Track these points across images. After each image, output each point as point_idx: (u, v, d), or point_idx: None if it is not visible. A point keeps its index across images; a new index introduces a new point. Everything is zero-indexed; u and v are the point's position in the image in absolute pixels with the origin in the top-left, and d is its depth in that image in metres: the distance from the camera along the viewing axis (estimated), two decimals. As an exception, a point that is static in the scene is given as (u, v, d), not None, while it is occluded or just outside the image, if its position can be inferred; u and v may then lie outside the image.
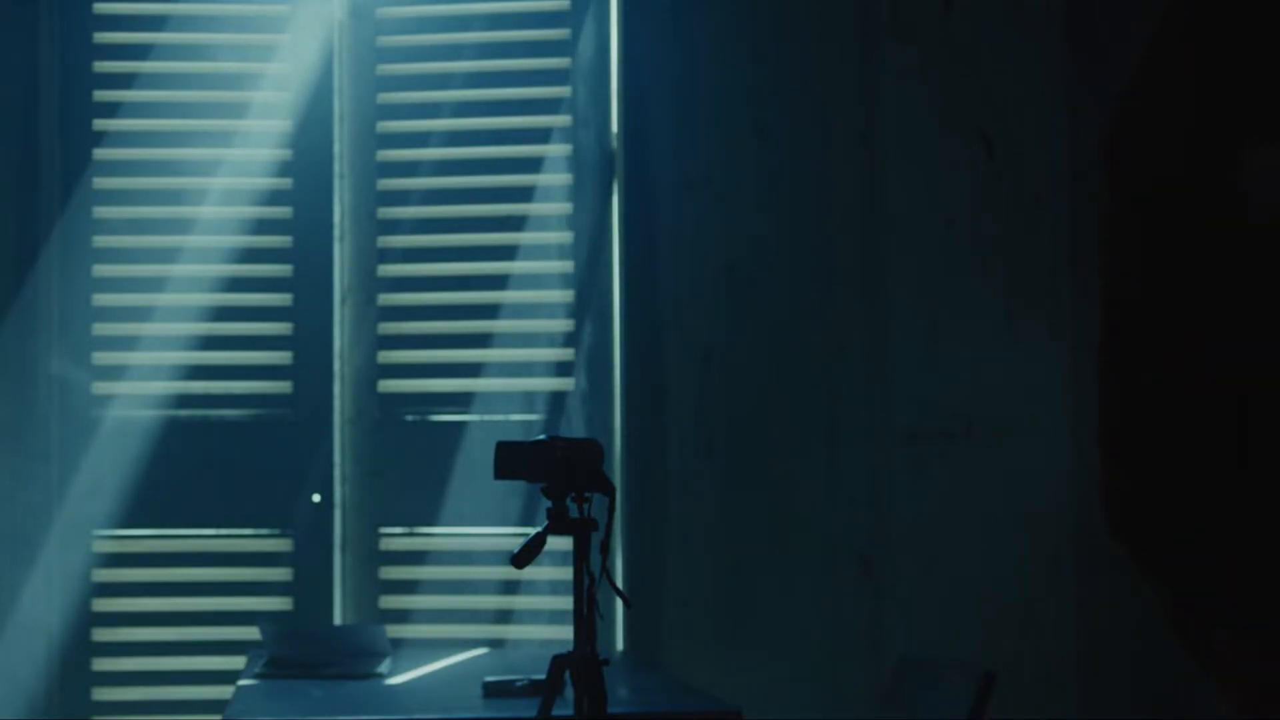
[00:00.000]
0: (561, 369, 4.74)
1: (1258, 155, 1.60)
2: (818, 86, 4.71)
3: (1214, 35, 1.65)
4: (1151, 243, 1.63)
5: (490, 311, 4.75)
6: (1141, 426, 1.65)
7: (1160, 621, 1.77)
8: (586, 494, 2.81)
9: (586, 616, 2.81)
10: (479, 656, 4.08)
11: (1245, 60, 1.64)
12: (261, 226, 4.77)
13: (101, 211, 4.77)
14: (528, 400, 4.74)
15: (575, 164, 4.76)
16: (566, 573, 2.83)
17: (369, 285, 4.79)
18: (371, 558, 4.74)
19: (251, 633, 4.07)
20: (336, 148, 4.79)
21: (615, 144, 4.76)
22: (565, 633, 2.92)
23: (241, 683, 3.54)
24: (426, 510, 4.71)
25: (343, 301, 4.79)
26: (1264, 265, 1.58)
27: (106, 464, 4.69)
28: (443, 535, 4.73)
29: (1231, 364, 1.64)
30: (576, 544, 2.80)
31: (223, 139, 4.77)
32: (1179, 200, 1.62)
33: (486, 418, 4.73)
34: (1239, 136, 1.63)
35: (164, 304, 4.74)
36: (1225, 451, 1.64)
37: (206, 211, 4.76)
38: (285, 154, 4.78)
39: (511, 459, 2.83)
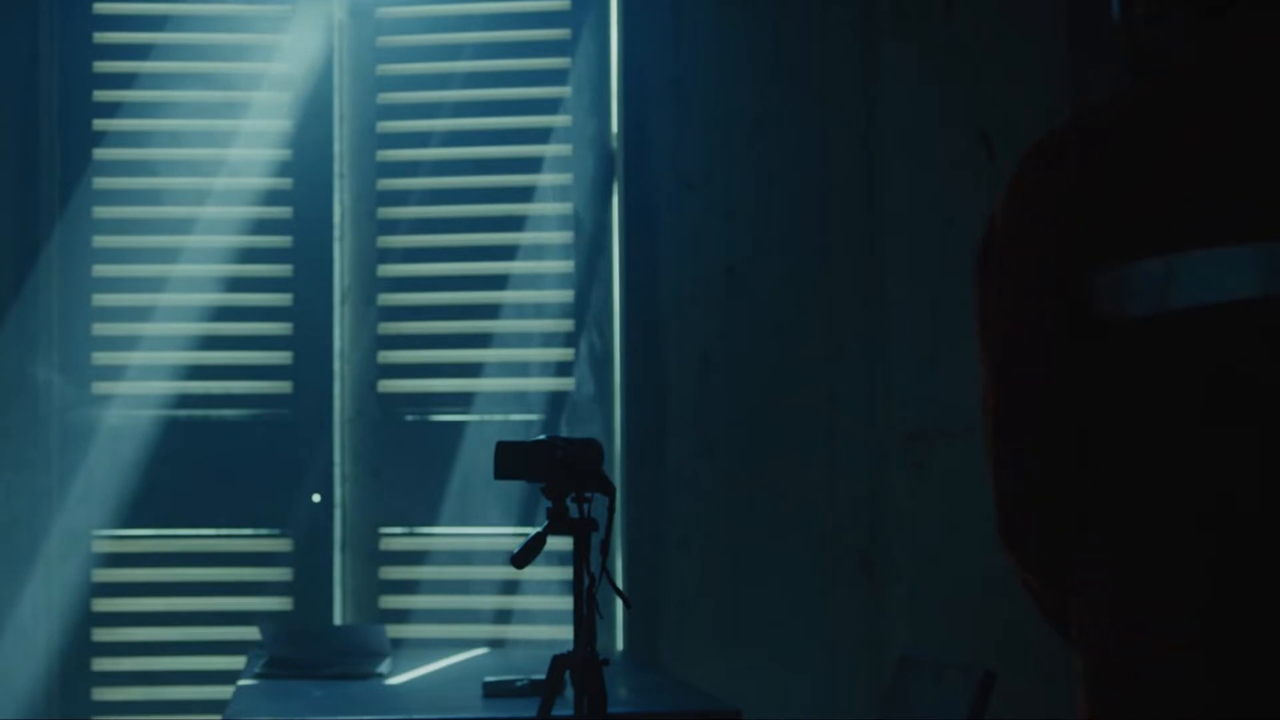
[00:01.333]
0: (561, 369, 4.74)
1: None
2: (818, 86, 4.71)
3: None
4: None
5: (490, 311, 4.75)
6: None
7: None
8: (586, 494, 2.81)
9: (586, 616, 2.81)
10: (479, 656, 4.08)
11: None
12: (261, 226, 4.77)
13: (101, 211, 4.77)
14: (528, 400, 4.74)
15: (575, 164, 4.76)
16: (566, 573, 2.83)
17: (369, 285, 4.79)
18: (371, 558, 4.74)
19: (251, 633, 4.07)
20: (336, 148, 4.79)
21: (615, 144, 4.76)
22: (565, 633, 2.92)
23: (241, 683, 3.54)
24: (426, 510, 4.71)
25: (343, 301, 4.79)
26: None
27: (106, 464, 4.69)
28: (443, 535, 4.73)
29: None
30: (576, 544, 2.80)
31: (223, 139, 4.77)
32: None
33: (486, 418, 4.73)
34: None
35: (164, 304, 4.74)
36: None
37: (206, 211, 4.76)
38: (285, 154, 4.78)
39: (511, 459, 2.83)
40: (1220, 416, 1.95)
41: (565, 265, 4.76)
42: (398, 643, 4.25)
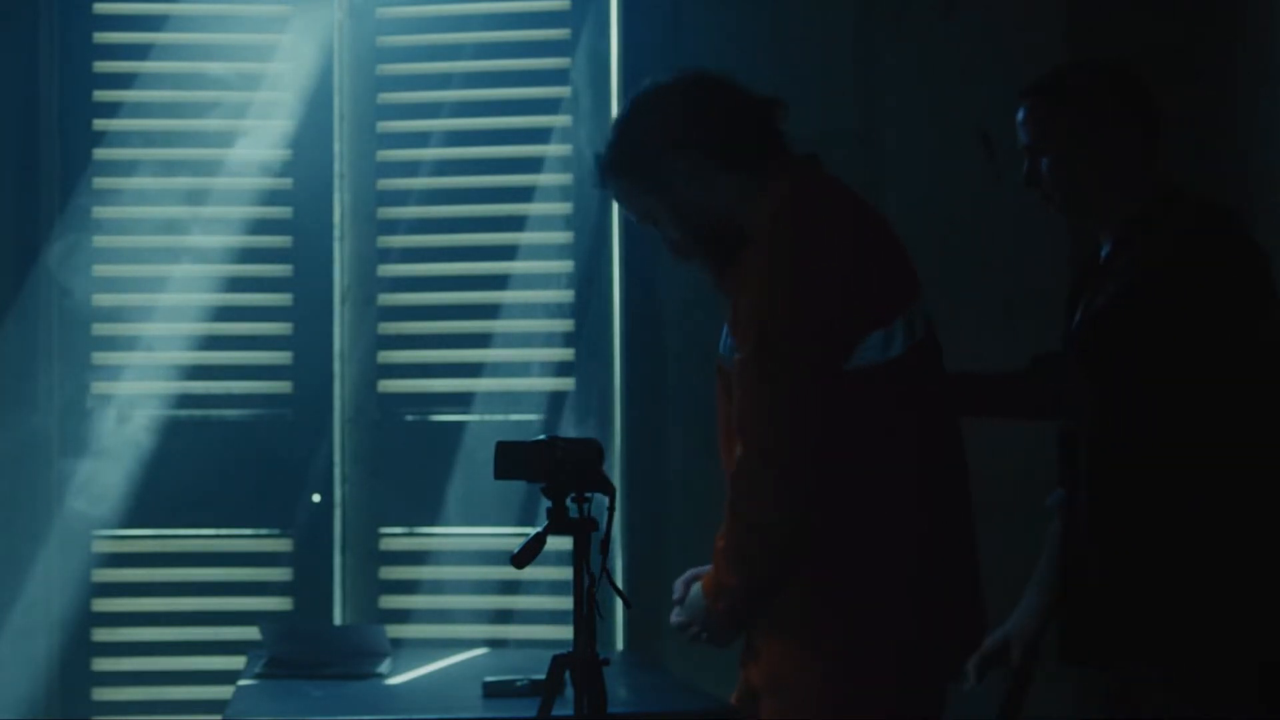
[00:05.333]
0: (561, 369, 4.74)
1: None
2: (818, 86, 4.71)
3: None
4: None
5: (490, 311, 4.75)
6: None
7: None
8: (586, 494, 2.81)
9: (586, 616, 2.81)
10: (479, 656, 4.08)
11: None
12: (261, 226, 4.77)
13: (101, 211, 4.77)
14: (528, 400, 4.74)
15: (575, 164, 4.76)
16: (566, 573, 2.83)
17: (369, 285, 4.79)
18: (371, 558, 4.74)
19: (251, 633, 4.06)
20: (336, 148, 4.79)
21: (615, 144, 4.75)
22: (565, 633, 2.92)
23: (241, 683, 3.54)
24: (426, 510, 4.71)
25: (343, 301, 4.79)
26: None
27: (106, 464, 4.69)
28: (443, 535, 4.72)
29: None
30: (576, 544, 2.80)
31: (223, 139, 4.77)
32: None
33: (486, 418, 4.73)
34: None
35: (164, 304, 4.74)
36: None
37: (206, 211, 4.76)
38: (285, 154, 4.78)
39: (511, 459, 2.83)
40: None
41: (565, 265, 4.76)
42: (398, 643, 4.24)
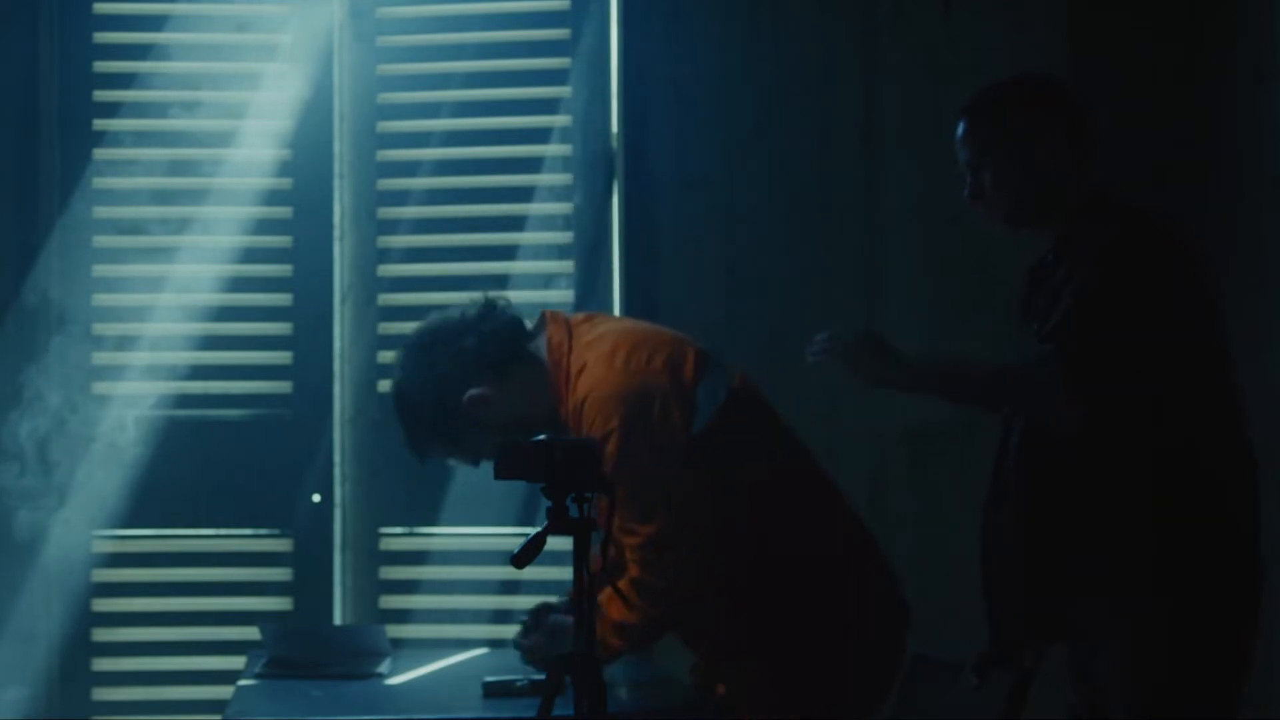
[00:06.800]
0: (561, 369, 4.73)
1: None
2: (818, 86, 4.71)
3: None
4: None
5: (490, 311, 4.75)
6: None
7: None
8: (586, 494, 2.81)
9: (586, 616, 2.81)
10: (479, 656, 4.07)
11: None
12: (261, 226, 4.77)
13: (101, 211, 4.77)
14: (528, 400, 4.73)
15: (575, 164, 4.76)
16: (566, 573, 2.83)
17: (369, 285, 4.79)
18: (371, 558, 4.74)
19: (251, 633, 4.06)
20: (336, 148, 4.79)
21: (615, 144, 4.76)
22: (565, 633, 2.92)
23: (241, 683, 3.54)
24: (426, 510, 4.71)
25: (343, 301, 4.79)
26: None
27: (106, 464, 4.69)
28: (443, 535, 4.72)
29: None
30: (576, 544, 2.80)
31: (223, 139, 4.77)
32: None
33: (486, 418, 4.72)
34: None
35: (164, 304, 4.74)
36: None
37: (206, 211, 4.76)
38: (285, 154, 4.78)
39: (511, 459, 2.83)
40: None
41: (565, 265, 4.76)
42: (398, 643, 4.24)
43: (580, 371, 3.23)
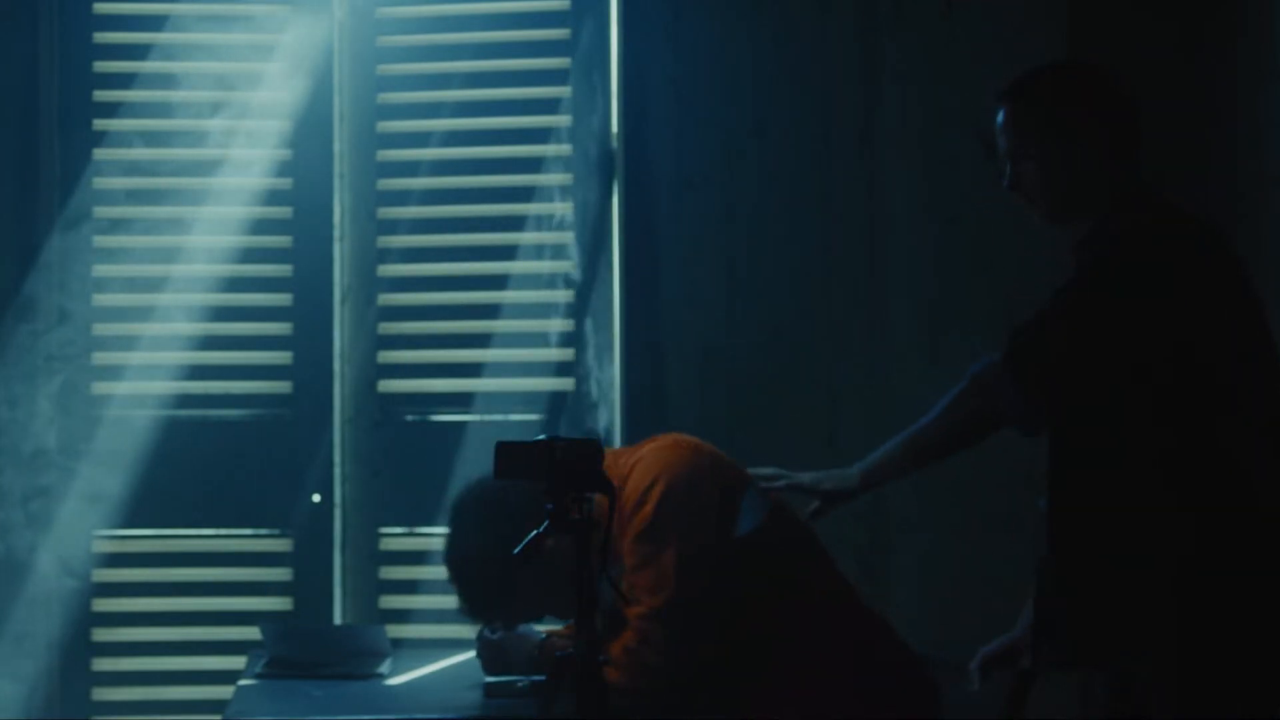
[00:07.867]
0: (561, 369, 4.74)
1: None
2: (818, 86, 4.71)
3: None
4: None
5: (490, 311, 4.75)
6: None
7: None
8: (586, 494, 2.81)
9: (587, 616, 2.81)
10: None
11: None
12: (261, 226, 4.77)
13: (101, 211, 4.77)
14: (528, 400, 4.74)
15: (575, 164, 4.76)
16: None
17: (369, 285, 4.79)
18: (371, 558, 4.74)
19: (251, 633, 4.06)
20: (336, 147, 4.79)
21: (615, 144, 4.76)
22: (565, 633, 2.92)
23: (241, 683, 3.54)
24: (426, 510, 4.70)
25: (343, 301, 4.79)
26: None
27: (106, 464, 4.69)
28: (443, 535, 4.71)
29: None
30: (576, 544, 2.80)
31: (223, 139, 4.77)
32: None
33: (486, 418, 4.73)
34: None
35: (164, 304, 4.74)
36: None
37: (206, 211, 4.76)
38: (285, 154, 4.78)
39: (511, 459, 2.83)
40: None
41: (565, 265, 4.76)
42: (398, 643, 4.24)
43: (630, 471, 3.24)
